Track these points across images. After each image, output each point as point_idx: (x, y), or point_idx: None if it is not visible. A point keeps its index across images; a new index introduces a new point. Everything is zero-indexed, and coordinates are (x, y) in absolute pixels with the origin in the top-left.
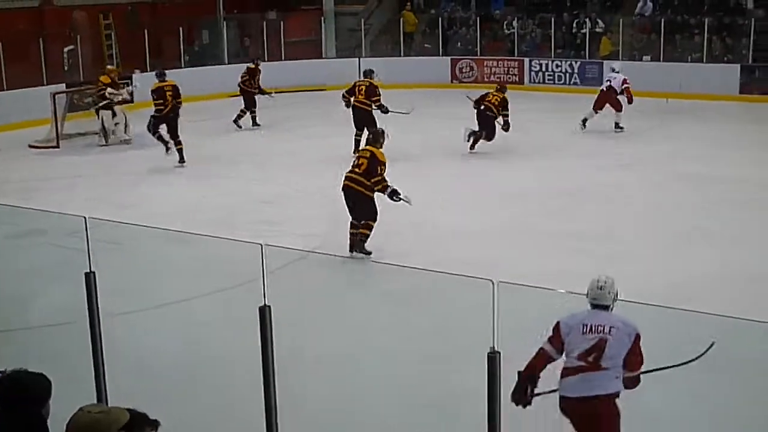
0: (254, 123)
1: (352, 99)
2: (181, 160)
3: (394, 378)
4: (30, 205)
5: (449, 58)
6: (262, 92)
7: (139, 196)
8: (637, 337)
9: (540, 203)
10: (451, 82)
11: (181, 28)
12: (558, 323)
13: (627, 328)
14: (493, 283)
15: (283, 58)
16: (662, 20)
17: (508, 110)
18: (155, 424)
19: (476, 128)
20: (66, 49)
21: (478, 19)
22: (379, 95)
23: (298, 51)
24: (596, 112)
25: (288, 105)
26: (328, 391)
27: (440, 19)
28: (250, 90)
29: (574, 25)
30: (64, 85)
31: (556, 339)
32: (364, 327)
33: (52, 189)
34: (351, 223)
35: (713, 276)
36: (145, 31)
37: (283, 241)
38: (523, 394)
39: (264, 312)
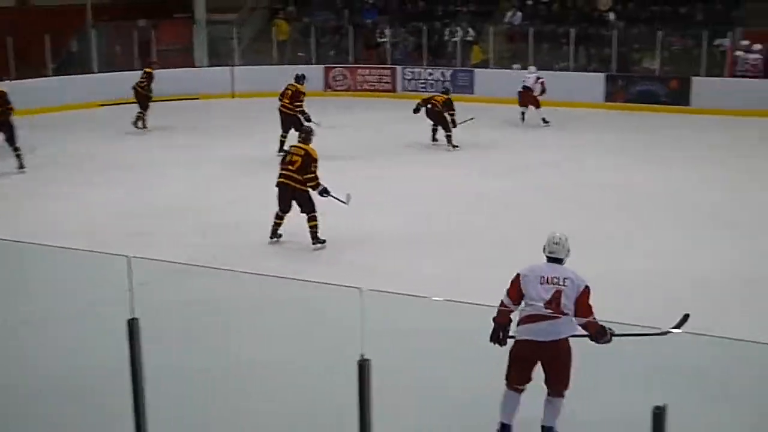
0: (143, 125)
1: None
2: (21, 166)
3: (266, 388)
4: None
5: (322, 66)
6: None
7: (4, 208)
8: (587, 288)
9: (411, 209)
10: (325, 90)
11: (47, 36)
12: (517, 276)
13: (578, 280)
14: (360, 291)
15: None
16: (531, 30)
17: (453, 110)
18: None
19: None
20: None
21: (351, 27)
22: (302, 101)
23: (170, 59)
24: (525, 107)
25: (166, 114)
26: (199, 404)
27: (313, 27)
28: (145, 93)
29: (446, 33)
30: None
31: (514, 290)
32: (237, 338)
33: None
34: (277, 213)
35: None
36: (9, 39)
37: (161, 252)
38: (497, 338)
39: (132, 325)
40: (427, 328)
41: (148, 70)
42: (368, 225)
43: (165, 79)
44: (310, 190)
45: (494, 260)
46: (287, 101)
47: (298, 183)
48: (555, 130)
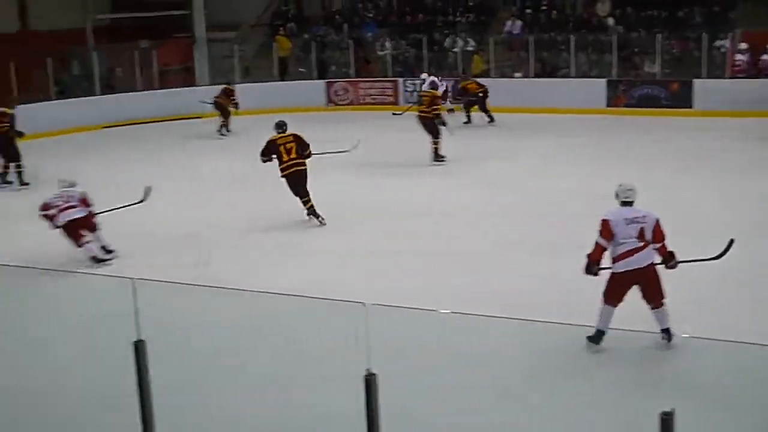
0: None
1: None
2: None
3: (273, 406)
4: None
5: (324, 81)
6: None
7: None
8: (657, 220)
9: (394, 223)
10: (327, 105)
11: (50, 59)
12: (607, 221)
13: (651, 215)
14: (364, 305)
15: (156, 86)
16: (531, 38)
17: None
18: None
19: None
20: None
21: (351, 41)
22: (439, 105)
23: (171, 79)
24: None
25: (167, 133)
26: (205, 424)
27: (313, 43)
28: (225, 104)
29: (446, 44)
30: None
31: (607, 232)
32: (237, 355)
33: None
34: (298, 198)
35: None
36: (11, 64)
37: (149, 274)
38: (591, 271)
39: (139, 347)
40: (433, 341)
41: (230, 87)
42: (364, 238)
43: (168, 98)
44: None
45: (488, 271)
46: (425, 107)
47: (305, 165)
48: (553, 138)
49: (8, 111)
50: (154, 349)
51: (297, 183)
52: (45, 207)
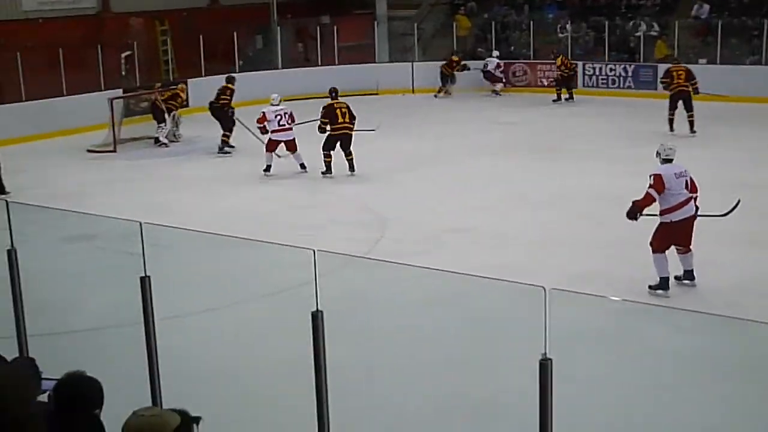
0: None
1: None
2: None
3: (445, 385)
4: (86, 209)
5: (503, 62)
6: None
7: (191, 200)
8: (690, 174)
9: (572, 207)
10: (505, 86)
11: (235, 34)
12: (660, 175)
13: (687, 170)
14: (545, 290)
15: (336, 62)
16: (719, 23)
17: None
18: (197, 419)
19: None
20: (123, 55)
21: (531, 22)
22: (695, 78)
23: (351, 55)
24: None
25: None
26: (377, 399)
27: (493, 23)
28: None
29: (629, 27)
30: (121, 90)
31: (660, 185)
32: (412, 333)
33: (108, 193)
34: (330, 154)
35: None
36: (200, 37)
37: (326, 246)
38: (634, 216)
39: (316, 317)
40: (606, 327)
41: (455, 58)
42: (519, 220)
43: (347, 74)
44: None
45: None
46: (683, 81)
47: (352, 129)
48: (740, 128)
49: (230, 86)
50: (332, 320)
51: (345, 142)
52: (263, 119)
